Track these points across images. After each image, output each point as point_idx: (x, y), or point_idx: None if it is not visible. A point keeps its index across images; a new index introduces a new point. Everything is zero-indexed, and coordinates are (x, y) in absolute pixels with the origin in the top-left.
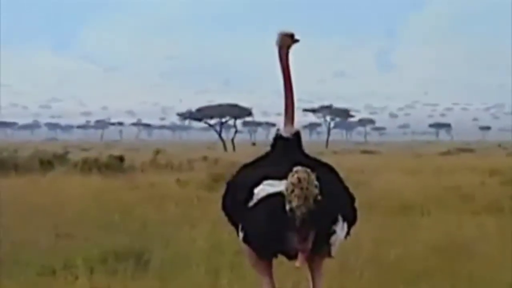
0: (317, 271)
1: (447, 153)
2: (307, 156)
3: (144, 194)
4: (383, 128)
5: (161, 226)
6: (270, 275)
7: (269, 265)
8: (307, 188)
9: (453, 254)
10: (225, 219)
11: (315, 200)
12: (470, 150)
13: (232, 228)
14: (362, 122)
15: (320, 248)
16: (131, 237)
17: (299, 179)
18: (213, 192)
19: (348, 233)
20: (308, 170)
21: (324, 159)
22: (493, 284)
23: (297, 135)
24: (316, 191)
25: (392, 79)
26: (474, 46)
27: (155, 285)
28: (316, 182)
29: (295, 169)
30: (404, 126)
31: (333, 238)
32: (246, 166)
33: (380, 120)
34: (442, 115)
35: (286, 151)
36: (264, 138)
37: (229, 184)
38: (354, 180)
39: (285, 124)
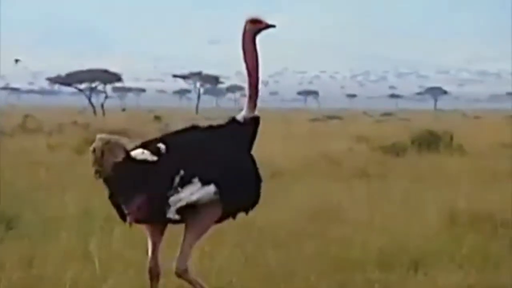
0: (184, 236)
1: (316, 120)
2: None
3: (14, 159)
4: None
5: (32, 191)
6: (152, 236)
7: (149, 227)
8: (101, 156)
9: (323, 218)
10: (97, 183)
11: (116, 166)
12: (338, 117)
13: (103, 193)
14: (232, 88)
15: (158, 211)
16: (1, 202)
17: (93, 148)
18: (85, 156)
19: (229, 197)
20: (107, 138)
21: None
22: (363, 247)
23: (253, 120)
24: (113, 159)
25: (264, 46)
26: (343, 14)
27: (25, 249)
28: (117, 151)
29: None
30: (274, 93)
31: (171, 200)
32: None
33: None
34: (310, 82)
35: (223, 130)
36: (135, 104)
37: None
38: None
39: (246, 108)
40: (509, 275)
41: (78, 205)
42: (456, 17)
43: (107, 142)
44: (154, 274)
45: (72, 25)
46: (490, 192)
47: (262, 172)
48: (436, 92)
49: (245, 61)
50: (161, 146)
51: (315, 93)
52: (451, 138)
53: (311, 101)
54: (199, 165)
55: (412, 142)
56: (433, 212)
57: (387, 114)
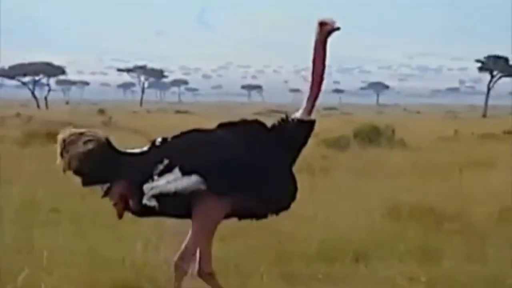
0: (191, 228)
1: (260, 114)
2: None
3: None
4: (196, 89)
5: None
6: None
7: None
8: (66, 148)
9: None
10: (41, 175)
11: (86, 157)
12: (282, 112)
13: (47, 184)
14: (176, 82)
15: (139, 200)
16: None
17: (60, 139)
18: (28, 149)
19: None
20: (74, 132)
21: (138, 118)
22: (307, 240)
23: (307, 124)
24: (79, 149)
25: (208, 40)
26: (288, 9)
27: None
28: (84, 145)
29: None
30: (217, 87)
31: (145, 186)
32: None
33: (193, 80)
34: (254, 77)
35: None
36: (78, 97)
37: None
38: None
39: (302, 110)
40: (449, 267)
41: (23, 197)
42: (397, 14)
43: (73, 135)
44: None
45: (15, 18)
46: (431, 185)
47: None
48: (378, 87)
49: (314, 62)
50: (158, 139)
51: (259, 88)
52: (393, 132)
53: (255, 96)
54: (184, 156)
55: (355, 136)
56: (375, 205)
57: (331, 108)
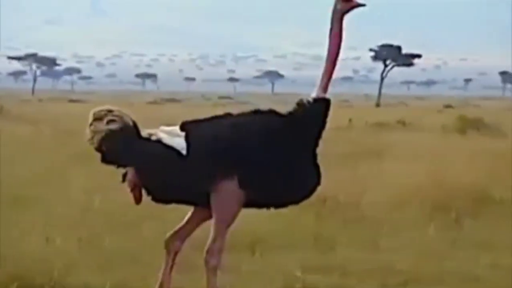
0: (213, 221)
1: (154, 103)
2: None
3: None
4: (89, 77)
5: None
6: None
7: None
8: (93, 122)
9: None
10: None
11: (105, 137)
12: (176, 100)
13: None
14: (69, 70)
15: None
16: None
17: (91, 113)
18: None
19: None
20: (104, 108)
21: (30, 107)
22: (201, 229)
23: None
24: (102, 127)
25: (102, 28)
26: None
27: None
28: (107, 123)
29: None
30: (111, 75)
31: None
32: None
33: (86, 69)
34: (148, 65)
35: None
36: None
37: None
38: (63, 129)
39: (317, 88)
40: (343, 255)
41: None
42: (292, 3)
43: (107, 111)
44: (170, 248)
45: None
46: (326, 174)
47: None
48: (273, 76)
49: (330, 40)
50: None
51: (153, 76)
52: None
53: (149, 84)
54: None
55: None
56: None
57: (226, 97)
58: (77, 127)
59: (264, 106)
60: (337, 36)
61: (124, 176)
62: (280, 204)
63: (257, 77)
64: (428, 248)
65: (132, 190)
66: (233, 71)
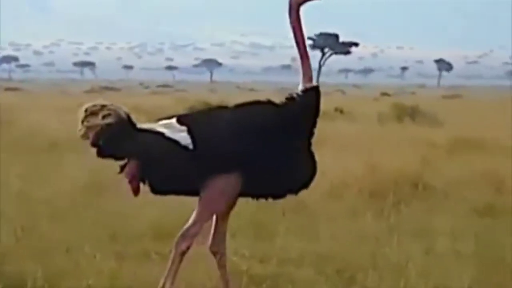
0: (197, 206)
1: (92, 91)
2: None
3: None
4: (27, 65)
5: None
6: None
7: None
8: (87, 118)
9: (98, 190)
10: None
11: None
12: (115, 89)
13: None
14: (6, 59)
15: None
16: None
17: (83, 109)
18: None
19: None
20: (97, 103)
21: None
22: (139, 219)
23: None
24: (97, 122)
25: (39, 16)
26: None
27: None
28: (102, 118)
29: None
30: (49, 64)
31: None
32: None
33: (24, 57)
34: (87, 53)
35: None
36: None
37: None
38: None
39: (301, 82)
40: (282, 244)
41: None
42: None
43: (101, 106)
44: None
45: None
46: None
47: (38, 143)
48: (212, 64)
49: (294, 33)
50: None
51: (91, 64)
52: None
53: (87, 73)
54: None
55: None
56: None
57: (164, 86)
58: (12, 115)
59: (201, 94)
60: (296, 27)
61: (122, 167)
62: (279, 195)
63: (196, 65)
64: (365, 236)
65: (130, 181)
66: (171, 60)
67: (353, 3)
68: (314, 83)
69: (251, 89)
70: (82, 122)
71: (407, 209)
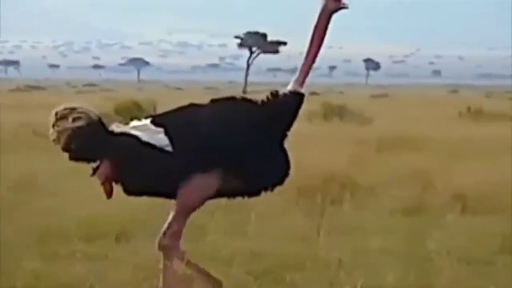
0: (176, 206)
1: (17, 90)
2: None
3: None
4: None
5: None
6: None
7: None
8: (57, 122)
9: (27, 190)
10: None
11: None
12: (40, 88)
13: None
14: None
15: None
16: None
17: (53, 113)
18: None
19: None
20: (67, 106)
21: None
22: (67, 219)
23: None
24: (68, 125)
25: None
26: None
27: None
28: (73, 121)
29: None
30: None
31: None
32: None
33: None
34: (11, 52)
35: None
36: None
37: None
38: None
39: (292, 82)
40: (211, 242)
41: None
42: None
43: (70, 109)
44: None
45: None
46: None
47: None
48: (139, 63)
49: (313, 36)
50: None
51: (16, 63)
52: (154, 109)
53: (12, 71)
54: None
55: (116, 113)
56: None
57: (91, 85)
58: None
59: (130, 94)
60: (321, 34)
61: (95, 169)
62: (252, 192)
63: (123, 64)
64: (294, 234)
65: (103, 183)
66: (98, 58)
67: (282, 2)
68: (303, 90)
69: (179, 88)
70: (53, 126)
71: (336, 208)
